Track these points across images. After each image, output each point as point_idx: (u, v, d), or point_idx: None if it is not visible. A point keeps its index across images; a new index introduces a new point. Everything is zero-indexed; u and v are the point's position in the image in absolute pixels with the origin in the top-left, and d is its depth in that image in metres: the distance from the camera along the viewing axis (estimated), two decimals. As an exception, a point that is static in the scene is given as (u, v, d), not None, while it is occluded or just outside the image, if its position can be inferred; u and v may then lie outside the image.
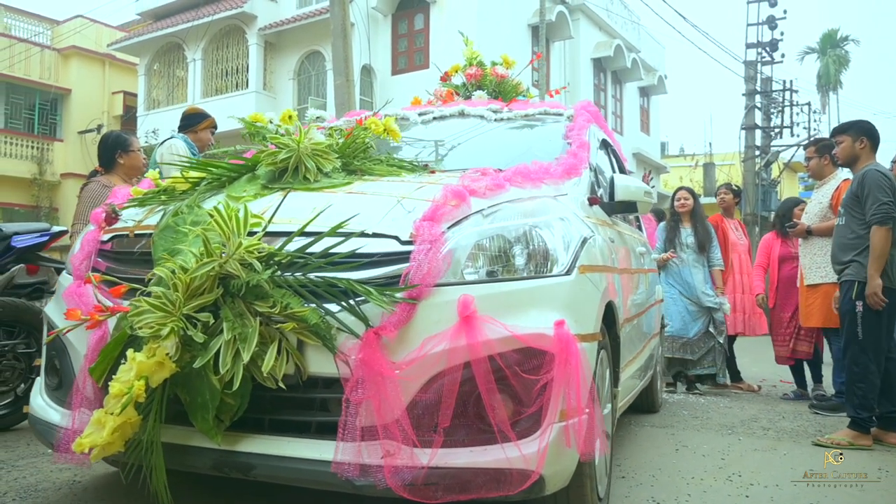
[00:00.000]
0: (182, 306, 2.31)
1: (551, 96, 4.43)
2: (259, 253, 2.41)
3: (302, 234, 2.48)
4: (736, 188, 8.06)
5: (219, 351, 2.32)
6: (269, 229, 2.56)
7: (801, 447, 4.78)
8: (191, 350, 2.35)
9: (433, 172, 3.17)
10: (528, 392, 2.40)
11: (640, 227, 5.71)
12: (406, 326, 2.38)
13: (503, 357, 2.38)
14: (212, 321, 2.37)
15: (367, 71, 19.95)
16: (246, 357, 2.28)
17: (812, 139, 6.71)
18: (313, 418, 2.47)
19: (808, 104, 25.84)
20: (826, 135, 7.93)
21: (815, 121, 26.27)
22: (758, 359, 9.83)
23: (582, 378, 2.42)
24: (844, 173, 6.01)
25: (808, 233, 6.14)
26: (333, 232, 2.42)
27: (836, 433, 4.92)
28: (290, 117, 3.21)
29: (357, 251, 2.47)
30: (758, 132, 24.02)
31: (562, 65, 22.42)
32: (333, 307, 2.41)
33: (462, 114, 4.30)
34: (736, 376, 7.68)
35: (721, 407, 6.45)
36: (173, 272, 2.36)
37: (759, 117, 24.34)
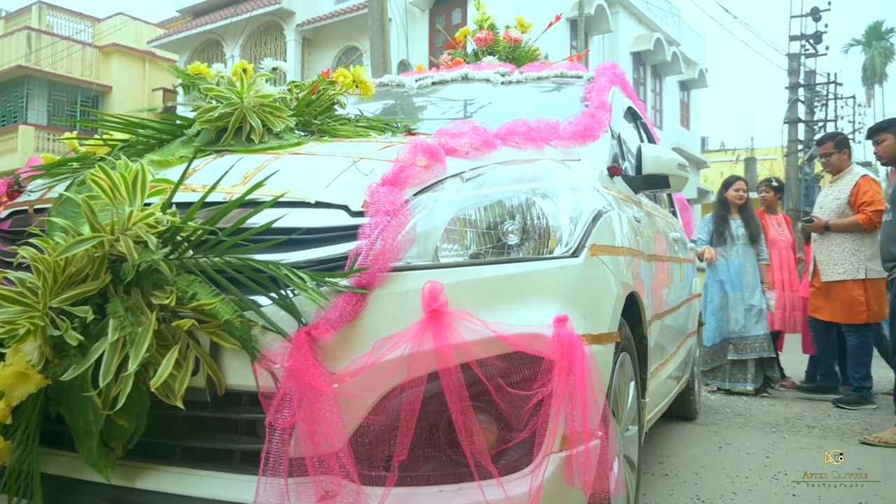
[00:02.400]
0: (48, 297, 1.69)
1: (572, 60, 3.72)
2: (158, 227, 1.77)
3: (223, 204, 1.84)
4: (777, 184, 7.48)
5: (101, 358, 1.69)
6: (183, 199, 1.93)
7: (848, 445, 4.55)
8: (69, 357, 1.73)
9: (413, 134, 2.52)
10: (516, 412, 1.76)
11: (674, 213, 4.99)
12: (352, 325, 1.74)
13: (484, 365, 1.74)
14: (93, 317, 1.74)
15: (404, 66, 19.42)
16: (133, 365, 1.66)
17: (825, 135, 6.64)
18: (235, 446, 1.83)
19: (853, 97, 24.70)
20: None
21: (859, 114, 25.15)
22: (800, 355, 9.28)
23: (590, 392, 1.77)
24: (859, 169, 6.15)
25: (826, 228, 6.02)
26: (241, 201, 1.79)
27: (884, 431, 4.69)
28: (244, 70, 2.58)
29: (295, 226, 1.84)
30: (801, 126, 22.98)
31: (601, 59, 21.57)
32: (263, 299, 1.77)
33: (466, 78, 3.64)
34: (780, 373, 7.11)
35: (764, 405, 6.13)
36: (42, 252, 1.74)
37: (802, 111, 23.29)
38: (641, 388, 2.70)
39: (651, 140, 4.35)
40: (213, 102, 2.35)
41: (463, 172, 1.98)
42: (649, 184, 3.09)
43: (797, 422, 5.32)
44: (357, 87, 2.54)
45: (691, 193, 23.51)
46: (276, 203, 1.88)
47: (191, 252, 1.80)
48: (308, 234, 1.84)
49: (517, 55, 4.15)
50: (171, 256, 1.77)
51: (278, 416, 1.67)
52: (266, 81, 2.51)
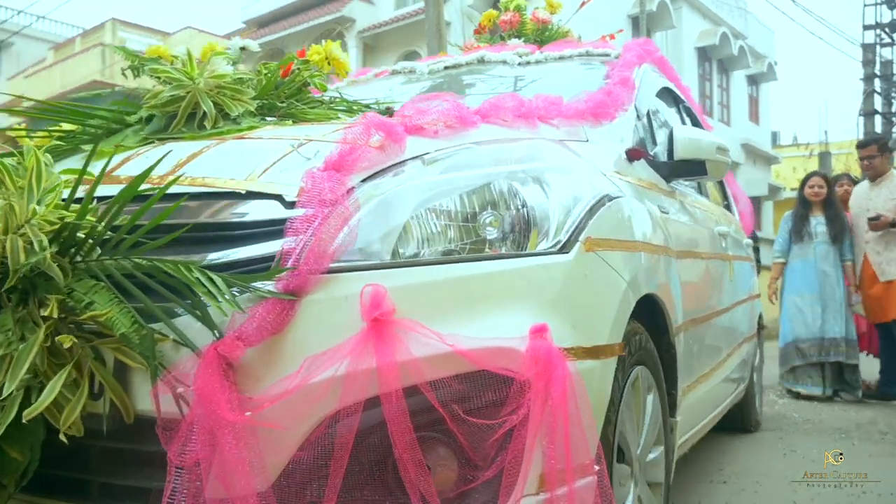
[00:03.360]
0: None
1: (603, 40, 3.33)
2: (52, 224, 1.47)
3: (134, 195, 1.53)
4: (856, 178, 6.96)
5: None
6: (108, 192, 1.63)
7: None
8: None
9: (392, 115, 2.17)
10: (478, 446, 1.40)
11: (728, 207, 4.53)
12: (278, 339, 1.41)
13: (438, 388, 1.39)
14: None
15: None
16: (8, 388, 1.36)
17: (867, 138, 6.96)
18: (149, 483, 1.51)
19: (934, 86, 23.31)
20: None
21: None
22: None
23: (575, 419, 1.41)
24: None
25: (892, 226, 5.88)
26: (131, 194, 1.48)
27: None
28: (214, 52, 2.29)
29: (216, 222, 1.53)
30: (877, 118, 21.80)
31: (664, 55, 20.88)
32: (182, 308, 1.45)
33: (482, 61, 3.28)
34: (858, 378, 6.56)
35: (836, 410, 5.74)
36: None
37: (878, 102, 22.10)
38: (670, 405, 2.30)
39: (698, 125, 3.92)
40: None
41: (424, 155, 1.63)
42: (682, 170, 2.68)
43: (870, 427, 4.96)
44: (331, 64, 2.22)
45: (761, 190, 22.59)
46: (204, 195, 1.57)
47: (99, 254, 1.49)
48: (228, 229, 1.52)
49: (546, 37, 3.77)
50: (77, 259, 1.47)
51: (183, 450, 1.34)
52: (232, 63, 2.21)
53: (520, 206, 1.61)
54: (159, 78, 2.06)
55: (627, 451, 1.87)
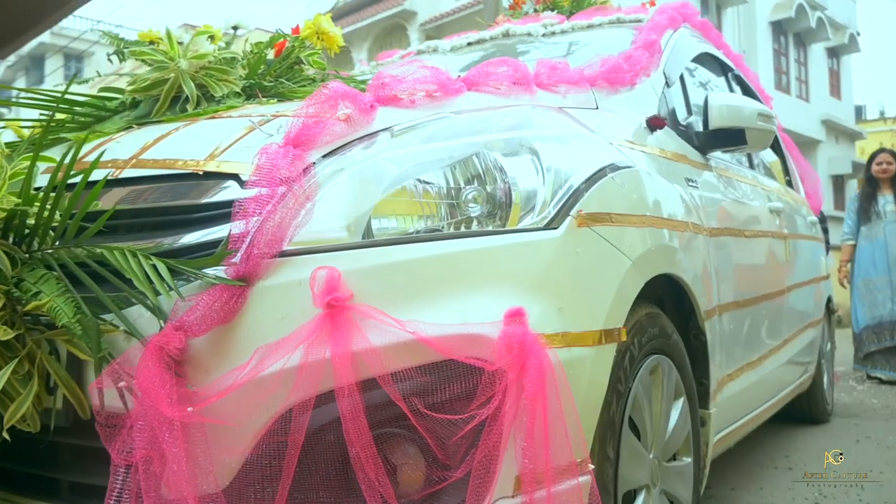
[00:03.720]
0: None
1: (643, 7, 3.12)
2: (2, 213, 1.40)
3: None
4: None
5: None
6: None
7: None
8: None
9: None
10: (445, 443, 1.27)
11: (790, 184, 4.25)
12: (227, 328, 1.30)
13: (401, 380, 1.25)
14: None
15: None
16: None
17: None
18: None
19: None
20: None
21: None
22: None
23: (556, 413, 1.25)
24: None
25: None
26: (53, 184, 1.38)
27: None
28: (211, 37, 2.19)
29: (171, 205, 1.43)
30: (971, 87, 20.58)
31: (736, 31, 20.16)
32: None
33: (506, 35, 3.12)
34: None
35: None
36: None
37: (972, 70, 20.86)
38: (700, 397, 2.11)
39: (751, 97, 3.66)
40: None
41: (393, 127, 1.49)
42: (719, 140, 2.48)
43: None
44: (321, 39, 2.10)
45: (844, 168, 21.63)
46: (164, 177, 1.48)
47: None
48: (184, 213, 1.42)
49: (582, 8, 3.57)
50: (34, 248, 1.39)
51: (125, 449, 1.25)
52: (225, 43, 2.12)
53: (499, 179, 1.46)
54: (145, 61, 1.97)
55: (641, 447, 1.70)
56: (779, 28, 21.47)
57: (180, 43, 1.90)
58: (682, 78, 2.70)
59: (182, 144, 1.56)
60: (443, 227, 1.44)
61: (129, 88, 1.90)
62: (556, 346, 1.35)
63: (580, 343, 1.41)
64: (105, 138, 1.74)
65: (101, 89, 2.03)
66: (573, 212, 1.49)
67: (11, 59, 24.36)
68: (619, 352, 1.55)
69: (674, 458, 1.92)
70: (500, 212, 1.43)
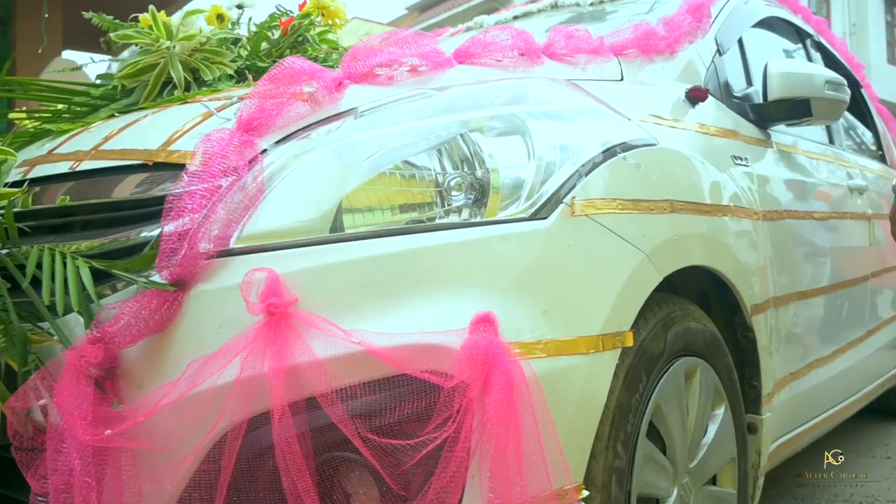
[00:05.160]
0: None
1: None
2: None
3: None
4: None
5: None
6: (48, 172, 1.45)
7: None
8: None
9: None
10: (398, 471, 1.08)
11: (883, 158, 3.84)
12: (160, 338, 1.14)
13: (347, 398, 1.07)
14: None
15: None
16: None
17: None
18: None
19: None
20: None
21: None
22: None
23: (531, 436, 1.05)
24: None
25: None
26: None
27: None
28: (219, 17, 2.05)
29: (114, 200, 1.29)
30: None
31: (846, 3, 18.99)
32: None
33: (555, 6, 2.87)
34: None
35: None
36: None
37: None
38: (750, 402, 1.85)
39: (839, 72, 3.28)
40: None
41: (357, 108, 1.30)
42: (779, 113, 2.19)
43: None
44: (322, 14, 1.92)
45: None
46: (116, 168, 1.34)
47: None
48: (129, 208, 1.28)
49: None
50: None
51: (44, 474, 1.11)
52: (231, 24, 1.98)
53: (478, 163, 1.25)
54: (138, 45, 1.85)
55: (665, 465, 1.47)
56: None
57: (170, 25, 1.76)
58: (741, 45, 2.40)
59: (143, 133, 1.42)
60: (426, 220, 1.25)
61: (118, 75, 1.78)
62: (538, 356, 1.15)
63: (570, 351, 1.20)
64: (80, 129, 1.62)
65: (98, 76, 1.92)
66: (567, 199, 1.27)
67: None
68: (626, 358, 1.32)
69: (713, 481, 1.68)
70: (470, 200, 1.23)
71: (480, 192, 1.26)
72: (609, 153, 1.39)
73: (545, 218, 1.25)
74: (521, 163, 1.29)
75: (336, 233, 1.21)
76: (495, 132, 1.31)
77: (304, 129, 1.28)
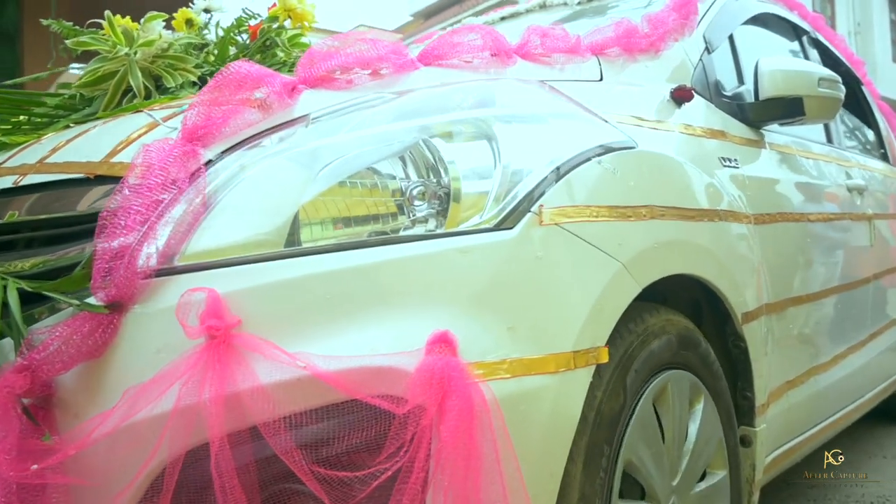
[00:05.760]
0: None
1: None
2: None
3: None
4: None
5: None
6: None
7: None
8: None
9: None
10: (345, 503, 0.99)
11: (885, 156, 3.74)
12: (97, 363, 1.06)
13: (294, 427, 0.99)
14: None
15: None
16: None
17: None
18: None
19: None
20: None
21: None
22: None
23: (491, 465, 0.96)
24: None
25: None
26: None
27: None
28: (188, 21, 1.98)
29: (54, 217, 1.21)
30: None
31: (850, 2, 18.86)
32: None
33: (543, 6, 2.79)
34: None
35: None
36: None
37: None
38: (742, 414, 1.76)
39: (836, 70, 3.17)
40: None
41: (309, 115, 1.22)
42: (772, 112, 2.09)
43: None
44: (290, 17, 1.84)
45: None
46: (54, 183, 1.26)
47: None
48: (67, 225, 1.20)
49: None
50: None
51: (-27, 512, 1.03)
52: (199, 28, 1.90)
53: (435, 171, 1.17)
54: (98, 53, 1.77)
55: (650, 489, 1.38)
56: (898, 0, 20.04)
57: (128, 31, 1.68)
58: (732, 42, 2.31)
59: (88, 145, 1.34)
60: (390, 231, 1.17)
61: (76, 84, 1.70)
62: (502, 377, 1.06)
63: (538, 370, 1.11)
64: (32, 141, 1.54)
65: (59, 86, 1.85)
66: (535, 207, 1.19)
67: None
68: (602, 375, 1.23)
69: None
70: (430, 211, 1.15)
71: (446, 202, 1.18)
72: (582, 158, 1.31)
73: (511, 228, 1.16)
74: (486, 170, 1.21)
75: (293, 247, 1.12)
76: (458, 137, 1.23)
77: (254, 137, 1.20)
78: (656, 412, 1.40)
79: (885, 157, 3.75)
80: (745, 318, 1.72)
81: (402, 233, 1.16)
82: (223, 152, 1.17)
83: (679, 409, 1.46)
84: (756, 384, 1.78)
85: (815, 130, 2.75)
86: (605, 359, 1.22)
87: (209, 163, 1.16)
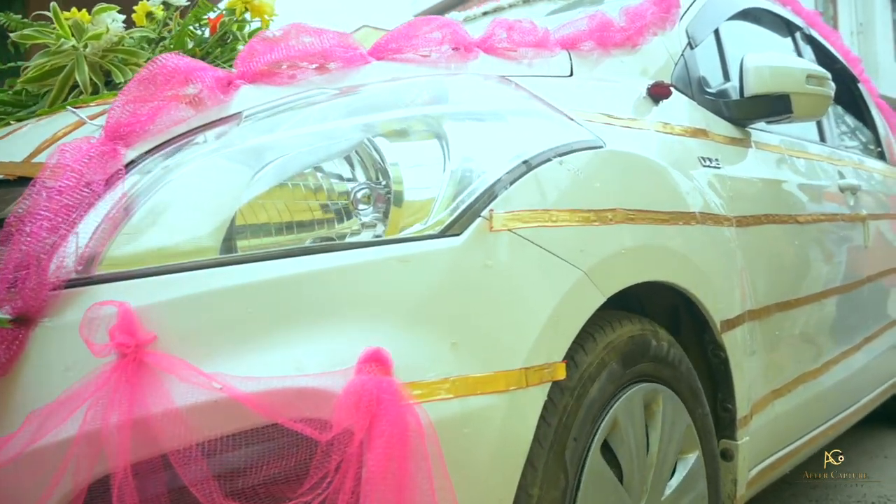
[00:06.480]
0: None
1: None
2: None
3: None
4: None
5: None
6: None
7: None
8: None
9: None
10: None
11: (881, 154, 3.63)
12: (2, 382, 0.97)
13: (209, 455, 0.89)
14: None
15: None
16: None
17: None
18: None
19: None
20: None
21: None
22: None
23: (423, 495, 0.86)
24: None
25: None
26: None
27: None
28: (149, 15, 1.88)
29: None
30: None
31: (852, 2, 18.69)
32: None
33: (527, 1, 2.68)
34: None
35: None
36: None
37: None
38: (723, 427, 1.66)
39: (831, 67, 3.06)
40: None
41: (244, 112, 1.12)
42: (758, 110, 1.99)
43: None
44: (247, 9, 1.74)
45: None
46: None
47: None
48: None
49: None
50: None
51: None
52: (159, 21, 1.80)
53: (384, 173, 1.07)
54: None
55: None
56: (900, 1, 19.86)
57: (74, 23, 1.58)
58: (718, 37, 2.21)
59: (15, 143, 1.25)
60: (336, 237, 1.07)
61: (22, 79, 1.61)
62: (443, 397, 0.96)
63: (485, 389, 1.01)
64: None
65: (10, 83, 1.75)
66: (485, 212, 1.08)
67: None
68: (562, 393, 1.13)
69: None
70: (371, 217, 1.05)
71: (366, 206, 1.08)
72: (542, 158, 1.21)
73: (458, 234, 1.06)
74: (434, 171, 1.11)
75: (224, 255, 1.02)
76: (405, 136, 1.13)
77: (183, 135, 1.10)
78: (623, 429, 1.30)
79: (882, 156, 3.64)
80: (726, 326, 1.62)
81: (348, 239, 1.06)
82: (148, 152, 1.07)
83: (641, 424, 1.36)
84: (737, 395, 1.68)
85: (807, 129, 2.64)
86: (561, 375, 1.12)
87: (132, 163, 1.06)
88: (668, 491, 1.41)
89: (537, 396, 1.09)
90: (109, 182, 1.03)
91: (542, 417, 1.09)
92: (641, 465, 1.33)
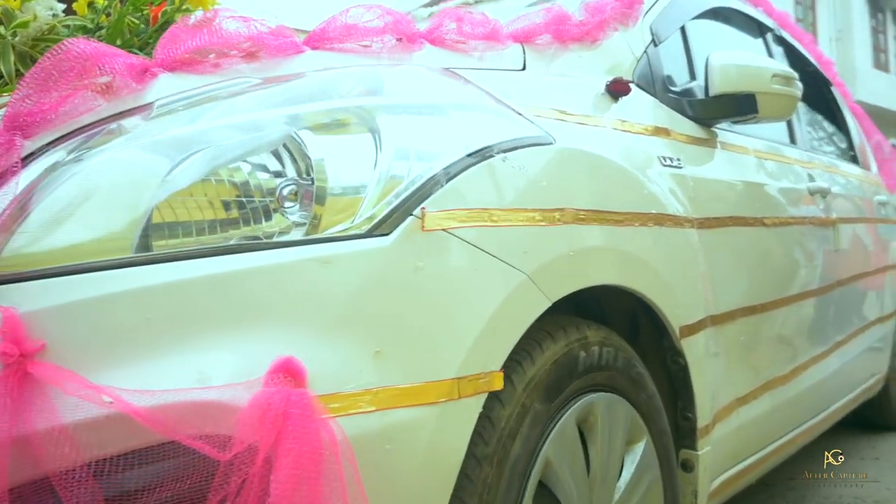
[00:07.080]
0: None
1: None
2: None
3: None
4: None
5: None
6: None
7: None
8: None
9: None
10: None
11: (855, 159, 3.57)
12: None
13: (99, 476, 0.80)
14: None
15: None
16: None
17: None
18: None
19: None
20: None
21: None
22: None
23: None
24: None
25: None
26: None
27: None
28: (90, 5, 1.79)
29: None
30: None
31: (831, 9, 18.80)
32: None
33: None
34: None
35: None
36: None
37: None
38: (682, 437, 1.58)
39: (803, 70, 3.01)
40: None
41: (157, 101, 1.03)
42: (723, 109, 1.92)
43: None
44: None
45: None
46: None
47: None
48: None
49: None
50: None
51: None
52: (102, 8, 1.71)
53: (305, 169, 0.99)
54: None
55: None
56: (876, 5, 20.05)
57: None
58: (684, 35, 2.14)
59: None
60: (263, 236, 0.98)
61: (-53, 69, 1.51)
62: (363, 410, 0.87)
63: (411, 401, 0.93)
64: None
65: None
66: (417, 210, 1.00)
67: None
68: (500, 406, 1.05)
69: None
70: (296, 215, 0.96)
71: (290, 202, 0.99)
72: (482, 154, 1.12)
73: (387, 234, 0.98)
74: (364, 167, 1.02)
75: (132, 255, 0.93)
76: (334, 129, 1.04)
77: (92, 126, 1.01)
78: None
79: (855, 160, 3.59)
80: (686, 332, 1.55)
81: (277, 238, 0.97)
82: (50, 143, 0.98)
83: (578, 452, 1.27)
84: (698, 403, 1.60)
85: (777, 131, 2.58)
86: (498, 385, 1.03)
87: (31, 155, 0.97)
88: (617, 494, 1.34)
89: (471, 408, 1.00)
90: (4, 176, 0.94)
91: (477, 430, 1.01)
92: (582, 489, 1.24)
